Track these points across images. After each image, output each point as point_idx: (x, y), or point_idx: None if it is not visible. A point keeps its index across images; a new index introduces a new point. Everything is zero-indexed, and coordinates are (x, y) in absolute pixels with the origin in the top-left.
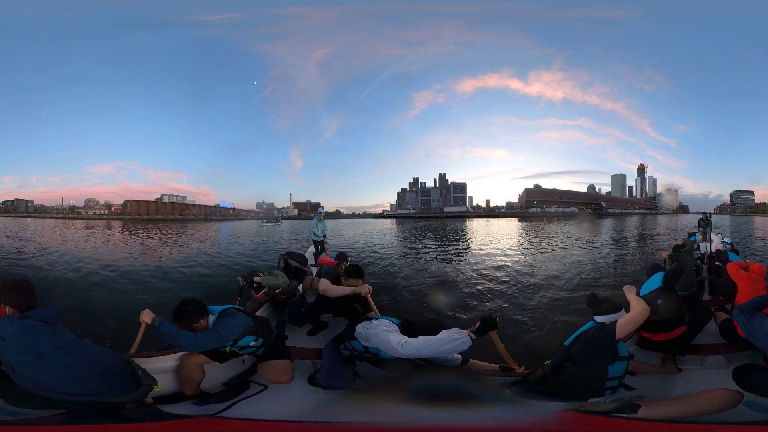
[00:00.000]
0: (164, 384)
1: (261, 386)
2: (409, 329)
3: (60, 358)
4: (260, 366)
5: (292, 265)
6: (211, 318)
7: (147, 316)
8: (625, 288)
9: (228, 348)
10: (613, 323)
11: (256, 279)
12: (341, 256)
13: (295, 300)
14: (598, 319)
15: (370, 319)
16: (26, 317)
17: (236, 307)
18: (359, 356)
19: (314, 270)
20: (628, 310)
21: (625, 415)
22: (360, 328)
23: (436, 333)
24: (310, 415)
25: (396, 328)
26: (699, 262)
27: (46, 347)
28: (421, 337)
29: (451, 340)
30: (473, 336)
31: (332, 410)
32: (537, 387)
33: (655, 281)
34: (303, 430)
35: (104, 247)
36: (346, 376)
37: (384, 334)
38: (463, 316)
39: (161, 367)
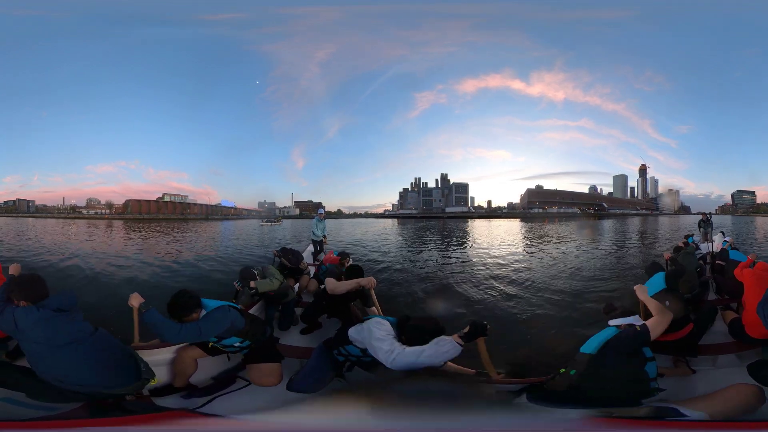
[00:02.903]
0: (159, 376)
1: (245, 382)
2: (404, 327)
3: (75, 350)
4: (249, 367)
5: (286, 263)
6: (203, 312)
7: (135, 300)
8: (636, 288)
9: (210, 344)
10: (644, 325)
11: (252, 284)
12: (343, 254)
13: (289, 300)
14: (614, 322)
15: (363, 319)
16: (41, 307)
17: (232, 305)
18: (357, 361)
19: (312, 270)
20: (641, 311)
21: (674, 418)
22: (353, 333)
23: (430, 334)
24: (282, 414)
25: (389, 332)
26: (701, 262)
27: (63, 338)
28: (408, 351)
29: (440, 354)
30: (461, 342)
31: (307, 412)
32: (561, 395)
33: (658, 282)
34: (271, 429)
35: (109, 246)
36: (323, 381)
37: (377, 342)
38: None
39: (158, 359)
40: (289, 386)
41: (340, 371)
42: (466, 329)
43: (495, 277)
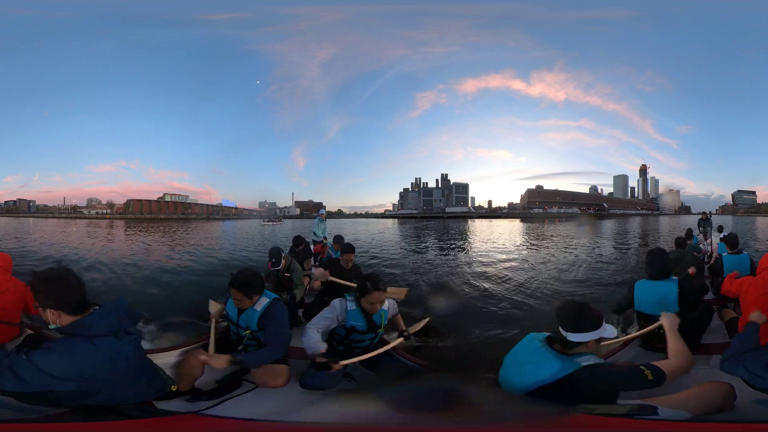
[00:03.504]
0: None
1: (252, 384)
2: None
3: (120, 369)
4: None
5: (296, 255)
6: (264, 300)
7: (222, 361)
8: (665, 316)
9: (248, 330)
10: (660, 371)
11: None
12: (338, 239)
13: (297, 300)
14: (573, 337)
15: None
16: (71, 335)
17: (279, 297)
18: (343, 340)
19: (314, 271)
20: (637, 330)
21: (649, 417)
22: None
23: (369, 290)
24: (292, 415)
25: (340, 307)
26: (701, 262)
27: (103, 372)
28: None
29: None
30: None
31: (315, 410)
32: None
33: (669, 297)
34: (283, 429)
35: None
36: (332, 376)
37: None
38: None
39: (163, 363)
40: (302, 384)
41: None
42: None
43: (481, 275)
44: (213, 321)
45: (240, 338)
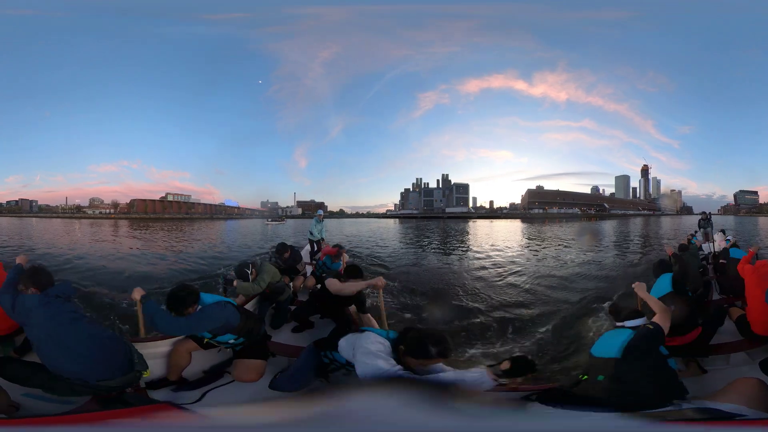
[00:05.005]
0: (156, 369)
1: (231, 377)
2: (404, 338)
3: (70, 333)
4: (234, 362)
5: (280, 264)
6: (198, 307)
7: (137, 293)
8: (635, 286)
9: (205, 340)
10: (656, 323)
11: (234, 283)
12: (339, 247)
13: (283, 299)
14: (629, 324)
15: (360, 331)
16: (44, 293)
17: (229, 301)
18: (340, 367)
19: (309, 269)
20: (643, 308)
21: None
22: (344, 344)
23: (435, 347)
24: (259, 412)
25: (386, 348)
26: (704, 262)
27: (62, 318)
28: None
29: (463, 382)
30: (496, 378)
31: (282, 410)
32: (577, 399)
33: (665, 284)
34: (242, 425)
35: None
36: (305, 381)
37: (366, 357)
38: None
39: (155, 352)
40: (271, 385)
41: (324, 373)
42: (506, 365)
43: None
44: (138, 303)
45: (217, 344)
